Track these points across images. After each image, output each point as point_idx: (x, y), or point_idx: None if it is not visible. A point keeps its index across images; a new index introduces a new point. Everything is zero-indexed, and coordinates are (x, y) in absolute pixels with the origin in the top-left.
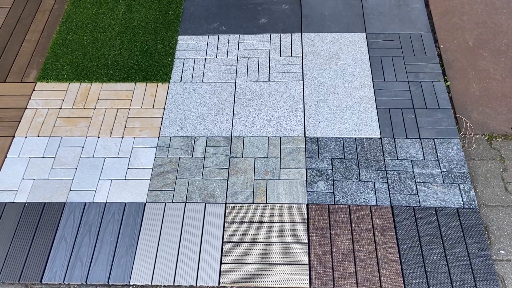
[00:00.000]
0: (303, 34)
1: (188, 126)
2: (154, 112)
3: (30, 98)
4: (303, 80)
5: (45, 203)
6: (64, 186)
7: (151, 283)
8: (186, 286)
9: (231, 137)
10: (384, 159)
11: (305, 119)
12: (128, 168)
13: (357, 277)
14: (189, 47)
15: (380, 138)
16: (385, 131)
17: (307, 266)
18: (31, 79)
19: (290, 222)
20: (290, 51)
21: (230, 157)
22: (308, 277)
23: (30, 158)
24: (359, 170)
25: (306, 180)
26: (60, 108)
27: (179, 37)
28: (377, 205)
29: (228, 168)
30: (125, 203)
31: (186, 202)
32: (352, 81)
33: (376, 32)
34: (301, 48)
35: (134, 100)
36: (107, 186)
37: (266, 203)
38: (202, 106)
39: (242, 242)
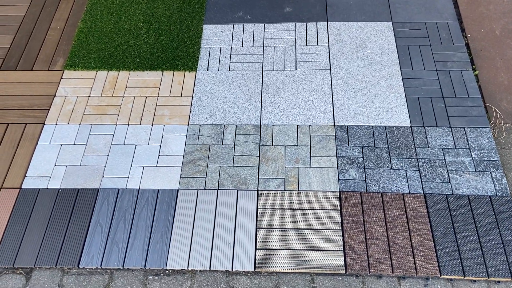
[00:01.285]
0: (328, 23)
1: (217, 114)
2: (182, 100)
3: (58, 86)
4: (330, 69)
5: (78, 189)
6: (96, 173)
7: (187, 268)
8: (222, 271)
9: (260, 125)
10: (415, 148)
11: (334, 108)
12: (159, 155)
13: (392, 263)
14: (214, 36)
15: (410, 126)
16: (415, 119)
17: (342, 252)
18: (58, 67)
19: (323, 209)
20: (316, 40)
21: (260, 145)
22: (344, 263)
23: (61, 145)
24: (390, 158)
25: (337, 168)
26: (89, 96)
27: (204, 26)
28: (409, 192)
29: (259, 156)
30: (158, 190)
31: (218, 189)
32: (380, 70)
33: (402, 21)
34: (327, 37)
35: (162, 88)
36: (139, 172)
37: (298, 190)
38: (230, 94)
39: (275, 228)
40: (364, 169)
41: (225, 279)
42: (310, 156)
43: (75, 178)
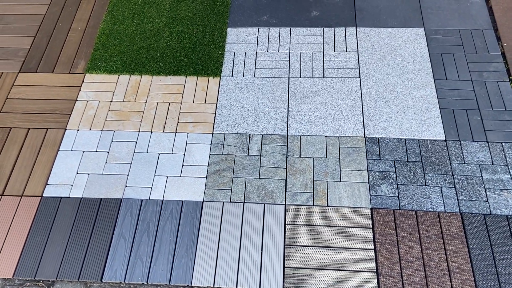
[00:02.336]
0: (357, 28)
1: (242, 123)
2: (206, 107)
3: (80, 90)
4: (360, 77)
5: (101, 199)
6: (119, 182)
7: (213, 285)
8: None
9: (287, 135)
10: (451, 163)
11: (364, 119)
12: (183, 165)
13: (428, 287)
14: (239, 40)
15: (445, 140)
16: (450, 133)
17: (375, 274)
18: (79, 70)
19: (354, 227)
20: (345, 46)
21: (287, 156)
22: (377, 285)
23: (83, 152)
24: (424, 173)
25: (369, 183)
26: (111, 101)
27: (228, 30)
28: (445, 211)
29: (286, 168)
30: (182, 201)
31: (244, 202)
32: (412, 79)
33: (435, 28)
34: (356, 43)
35: (186, 94)
36: (163, 183)
37: (328, 205)
38: (256, 102)
39: (304, 246)
40: (397, 184)
41: None
42: (340, 170)
43: (98, 187)
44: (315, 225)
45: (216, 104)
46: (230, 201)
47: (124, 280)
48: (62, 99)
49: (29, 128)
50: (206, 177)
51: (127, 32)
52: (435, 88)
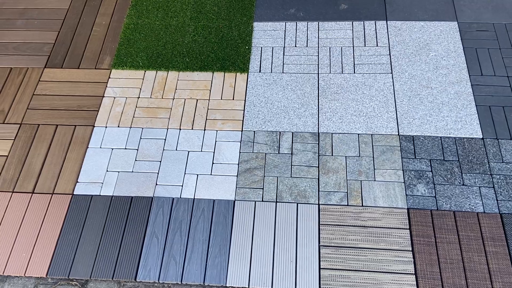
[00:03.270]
0: (388, 22)
1: (272, 120)
2: (235, 104)
3: (106, 86)
4: (392, 73)
5: (132, 197)
6: (150, 180)
7: (248, 285)
8: None
9: (318, 133)
10: (489, 162)
11: (398, 116)
12: (213, 163)
13: None
14: (266, 35)
15: (482, 138)
16: (487, 131)
17: (414, 276)
18: (105, 65)
19: (390, 228)
20: (376, 41)
21: (319, 155)
22: (416, 287)
23: (112, 149)
24: (461, 173)
25: (404, 182)
26: (138, 97)
27: (255, 24)
28: (484, 212)
29: (318, 167)
30: (214, 200)
31: (276, 201)
32: (447, 74)
33: (469, 21)
34: (387, 37)
35: (213, 90)
36: (194, 181)
37: (362, 205)
38: (285, 98)
39: (340, 246)
40: (434, 184)
41: None
42: (374, 169)
43: (128, 185)
44: (350, 226)
45: (245, 100)
46: (262, 200)
47: (158, 280)
48: (89, 96)
49: (57, 125)
50: (237, 176)
51: (151, 27)
52: (470, 84)
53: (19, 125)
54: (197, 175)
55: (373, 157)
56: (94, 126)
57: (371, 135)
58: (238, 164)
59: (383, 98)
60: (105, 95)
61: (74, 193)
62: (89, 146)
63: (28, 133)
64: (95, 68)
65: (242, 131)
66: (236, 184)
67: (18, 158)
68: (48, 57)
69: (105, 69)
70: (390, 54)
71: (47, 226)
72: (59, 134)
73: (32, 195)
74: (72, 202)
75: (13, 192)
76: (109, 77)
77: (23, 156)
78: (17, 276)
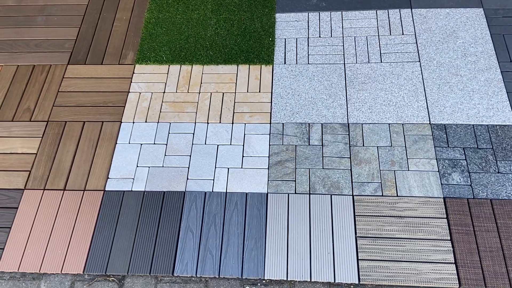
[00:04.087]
0: (413, 9)
1: (300, 112)
2: (262, 97)
3: (131, 82)
4: (419, 61)
5: (164, 192)
6: (181, 175)
7: (286, 278)
8: (322, 282)
9: (348, 123)
10: None
11: (428, 104)
12: (243, 156)
13: (509, 278)
14: (289, 26)
15: None
16: None
17: (454, 265)
18: (129, 61)
19: (427, 217)
20: (401, 29)
21: (350, 146)
22: (457, 276)
23: (141, 144)
24: (496, 160)
25: (439, 171)
26: (163, 92)
27: (277, 15)
28: None
29: (350, 158)
30: (246, 193)
31: (310, 193)
32: (475, 61)
33: (495, 8)
34: (413, 25)
35: (239, 83)
36: (225, 174)
37: (397, 195)
38: (312, 90)
39: (377, 237)
40: (469, 173)
41: None
42: (407, 158)
43: (159, 180)
44: (386, 216)
45: (271, 92)
46: (295, 193)
47: (196, 274)
48: (115, 91)
49: (84, 122)
50: (268, 168)
51: (173, 21)
52: (500, 70)
53: (46, 122)
54: (228, 168)
55: (405, 146)
56: (121, 122)
57: (402, 124)
58: (268, 157)
59: (412, 87)
60: (130, 91)
61: (106, 189)
62: (117, 142)
63: (55, 130)
64: (119, 64)
65: (270, 123)
66: (268, 177)
67: (47, 155)
68: (71, 54)
69: (129, 65)
70: (416, 43)
71: (81, 222)
72: (87, 131)
73: (64, 192)
74: (105, 198)
75: (44, 189)
76: (133, 72)
77: (52, 153)
78: (53, 274)
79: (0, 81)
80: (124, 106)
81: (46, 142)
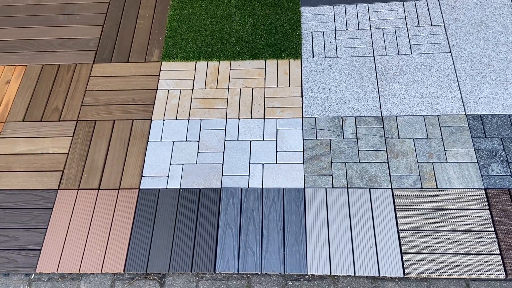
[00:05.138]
0: (440, 0)
1: (332, 105)
2: (292, 91)
3: (159, 79)
4: (451, 52)
5: (200, 189)
6: (215, 171)
7: (330, 273)
8: (366, 276)
9: (382, 116)
10: None
11: (462, 95)
12: (277, 151)
13: None
14: (315, 19)
15: None
16: None
17: (499, 256)
18: (155, 58)
19: (469, 209)
20: (430, 20)
21: (385, 139)
22: (503, 267)
23: (173, 142)
24: None
25: (478, 162)
26: (192, 89)
27: (302, 9)
28: None
29: (386, 151)
30: (283, 189)
31: (348, 187)
32: (507, 51)
33: None
34: (441, 16)
35: (268, 78)
36: (260, 170)
37: (437, 188)
38: (343, 83)
39: (420, 230)
40: (508, 163)
41: (370, 285)
42: (445, 150)
43: (194, 177)
44: (428, 209)
45: (301, 87)
46: (333, 187)
47: (238, 271)
48: (143, 89)
49: (114, 120)
50: (303, 163)
51: (197, 17)
52: None
53: (75, 121)
54: (263, 164)
55: (442, 138)
56: (151, 120)
57: (437, 116)
58: (303, 152)
59: (444, 78)
60: (158, 88)
61: (141, 187)
62: (149, 140)
63: (85, 130)
64: (145, 61)
65: (302, 118)
66: (304, 172)
67: (79, 155)
68: (96, 52)
69: (155, 62)
70: (446, 33)
71: (118, 221)
72: (118, 129)
73: (98, 191)
74: (140, 197)
75: (78, 189)
76: (160, 70)
77: (84, 153)
78: (93, 273)
79: (26, 81)
80: (154, 104)
81: (77, 141)
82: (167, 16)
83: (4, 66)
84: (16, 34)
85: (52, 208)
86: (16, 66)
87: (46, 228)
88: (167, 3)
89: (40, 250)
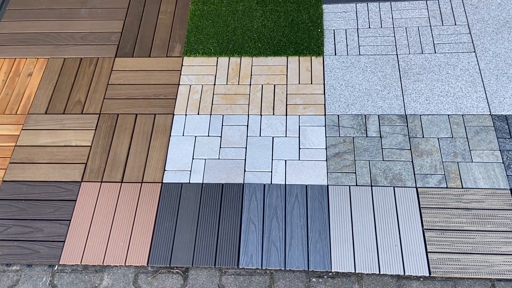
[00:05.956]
0: (464, 0)
1: (355, 103)
2: (314, 88)
3: (180, 74)
4: (475, 51)
5: (222, 184)
6: (238, 167)
7: (354, 270)
8: (391, 275)
9: (406, 115)
10: None
11: (487, 95)
12: (300, 148)
13: None
14: (337, 17)
15: None
16: None
17: None
18: (176, 53)
19: (495, 209)
20: (453, 19)
21: (409, 137)
22: None
23: (195, 137)
24: None
25: (503, 162)
26: (214, 84)
27: (324, 6)
28: None
29: (410, 149)
30: (306, 185)
31: (372, 186)
32: None
33: None
34: (465, 15)
35: (290, 75)
36: (282, 167)
37: (462, 187)
38: (366, 81)
39: (445, 229)
40: None
41: (395, 284)
42: (470, 150)
43: (217, 172)
44: (453, 208)
45: (324, 84)
46: (357, 185)
47: (261, 266)
48: (165, 84)
49: (136, 114)
50: (326, 160)
51: (218, 13)
52: None
53: (98, 115)
54: (285, 160)
55: (467, 138)
56: (174, 114)
57: (462, 115)
58: (326, 149)
59: (469, 78)
60: (180, 83)
61: (164, 181)
62: (171, 134)
63: (108, 123)
64: (166, 56)
65: (325, 115)
66: (327, 169)
67: (102, 148)
68: (118, 46)
69: (177, 57)
70: (470, 33)
71: (141, 214)
72: (140, 123)
73: (121, 185)
74: (163, 190)
75: (101, 182)
76: (182, 65)
77: (106, 146)
78: (116, 266)
79: (48, 74)
80: (176, 99)
81: (100, 134)
82: (188, 12)
83: (26, 58)
84: (37, 27)
85: (76, 200)
86: (38, 58)
87: (70, 220)
88: None
89: (64, 241)
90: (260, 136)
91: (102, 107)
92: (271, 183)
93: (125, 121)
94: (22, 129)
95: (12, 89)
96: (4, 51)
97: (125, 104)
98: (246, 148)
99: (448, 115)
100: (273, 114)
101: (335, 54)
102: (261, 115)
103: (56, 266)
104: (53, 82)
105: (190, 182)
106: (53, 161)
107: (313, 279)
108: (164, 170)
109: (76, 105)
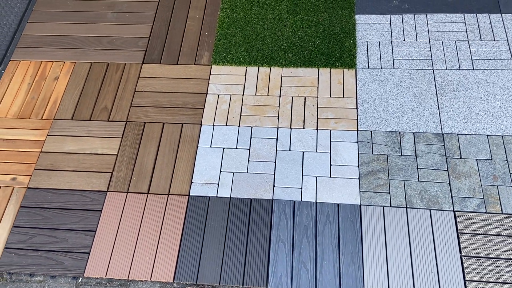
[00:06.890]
0: (503, 15)
1: (389, 120)
2: (346, 102)
3: (208, 83)
4: None
5: (251, 199)
6: (267, 182)
7: None
8: None
9: (443, 133)
10: None
11: None
12: (331, 165)
13: None
14: (370, 28)
15: None
16: None
17: None
18: (204, 61)
19: None
20: (492, 35)
21: (446, 157)
22: None
23: (223, 149)
24: None
25: None
26: (243, 95)
27: (357, 17)
28: None
29: (447, 170)
30: (338, 204)
31: (407, 207)
32: None
33: None
34: (505, 31)
35: (321, 87)
36: (313, 183)
37: (502, 213)
38: (400, 96)
39: (484, 257)
40: None
41: None
42: (510, 173)
43: (245, 187)
44: (493, 235)
45: (356, 98)
46: (391, 206)
47: (291, 287)
48: (192, 92)
49: (163, 123)
50: (359, 179)
51: (247, 20)
52: None
53: (124, 122)
54: (316, 177)
55: (507, 160)
56: (201, 125)
57: (502, 136)
58: (358, 166)
59: (509, 97)
60: (208, 92)
61: (191, 194)
62: (199, 145)
63: (135, 131)
64: (194, 64)
65: (357, 130)
66: (360, 188)
67: (128, 157)
68: (145, 52)
69: (205, 65)
70: (510, 50)
71: (168, 228)
72: (167, 133)
73: (147, 196)
74: (190, 204)
75: (127, 192)
76: (210, 73)
77: (133, 155)
78: (141, 281)
79: (75, 78)
80: (203, 108)
81: (126, 143)
82: (217, 19)
83: (53, 62)
84: (64, 30)
85: (101, 211)
86: (64, 62)
87: (95, 231)
88: (218, 5)
89: (89, 253)
90: (289, 150)
91: (128, 114)
92: (301, 200)
93: (152, 130)
94: (47, 135)
95: (38, 93)
96: (30, 53)
97: (152, 113)
98: (275, 162)
99: (487, 135)
100: (303, 128)
101: (368, 67)
102: (291, 128)
103: (80, 278)
104: (80, 87)
105: (218, 196)
106: (79, 169)
107: None
108: (191, 182)
109: (103, 112)
